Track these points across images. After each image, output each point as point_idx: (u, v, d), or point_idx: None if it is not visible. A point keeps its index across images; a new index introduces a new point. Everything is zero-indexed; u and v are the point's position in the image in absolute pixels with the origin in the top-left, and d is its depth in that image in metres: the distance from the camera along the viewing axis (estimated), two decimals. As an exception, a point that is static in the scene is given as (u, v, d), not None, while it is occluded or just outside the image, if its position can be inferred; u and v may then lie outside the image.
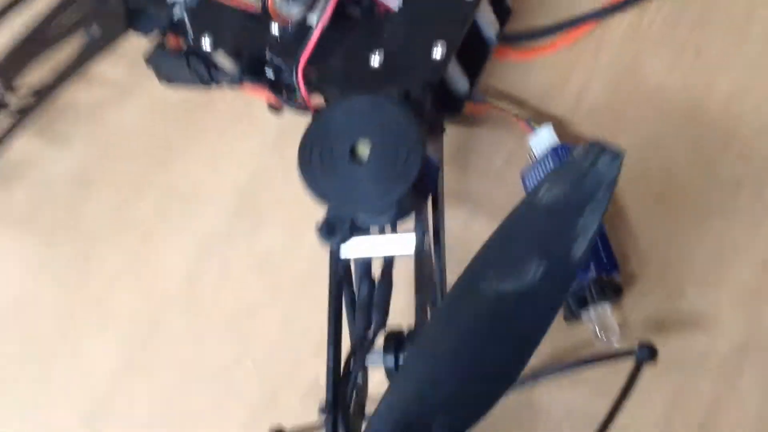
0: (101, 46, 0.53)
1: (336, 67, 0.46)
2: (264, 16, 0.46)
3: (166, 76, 0.53)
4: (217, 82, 0.51)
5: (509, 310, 0.34)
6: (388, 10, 0.45)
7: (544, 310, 0.34)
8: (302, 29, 0.45)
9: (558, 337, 0.48)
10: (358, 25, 0.46)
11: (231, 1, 0.47)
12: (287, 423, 0.44)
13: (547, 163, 0.48)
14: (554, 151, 0.48)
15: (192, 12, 0.48)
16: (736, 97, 0.50)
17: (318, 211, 0.41)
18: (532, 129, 0.50)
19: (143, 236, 0.56)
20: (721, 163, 0.49)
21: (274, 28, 0.46)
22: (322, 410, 0.38)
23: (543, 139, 0.49)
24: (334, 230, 0.40)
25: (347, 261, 0.41)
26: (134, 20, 0.53)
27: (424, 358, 0.35)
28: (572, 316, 0.47)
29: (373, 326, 0.39)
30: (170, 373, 0.53)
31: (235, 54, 0.48)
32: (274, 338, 0.52)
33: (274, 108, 0.51)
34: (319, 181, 0.40)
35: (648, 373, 0.40)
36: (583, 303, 0.46)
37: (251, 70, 0.48)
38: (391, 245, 0.41)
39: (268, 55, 0.47)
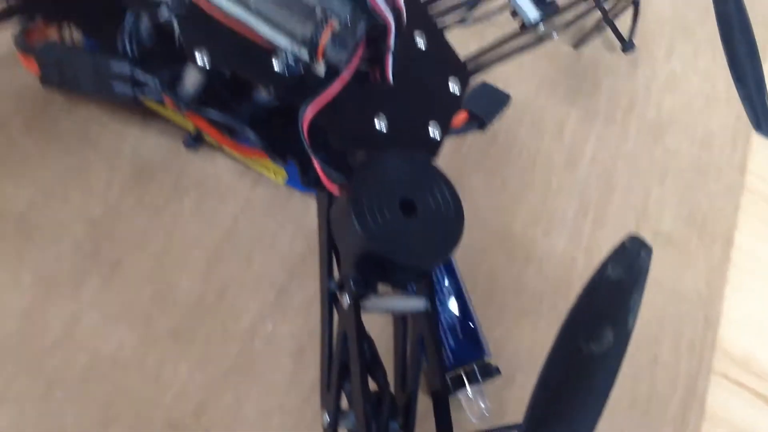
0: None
1: (341, 120, 0.45)
2: (263, 50, 0.43)
3: (60, 77, 0.45)
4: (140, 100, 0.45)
5: (593, 367, 0.40)
6: (384, 80, 0.47)
7: (614, 369, 0.40)
8: (309, 74, 0.44)
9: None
10: (356, 87, 0.46)
11: (236, 26, 0.43)
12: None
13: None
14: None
15: (182, 20, 0.43)
16: (529, 224, 0.62)
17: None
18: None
19: None
20: (526, 276, 0.60)
21: (277, 65, 0.44)
22: None
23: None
24: (366, 281, 0.40)
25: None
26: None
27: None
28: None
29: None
30: None
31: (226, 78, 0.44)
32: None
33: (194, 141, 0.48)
34: (370, 226, 0.40)
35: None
36: (460, 383, 0.52)
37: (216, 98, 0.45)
38: (409, 302, 0.42)
39: (270, 91, 0.44)
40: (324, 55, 0.43)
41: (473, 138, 0.64)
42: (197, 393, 0.48)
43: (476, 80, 0.63)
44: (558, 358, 0.40)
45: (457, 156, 0.63)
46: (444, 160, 0.62)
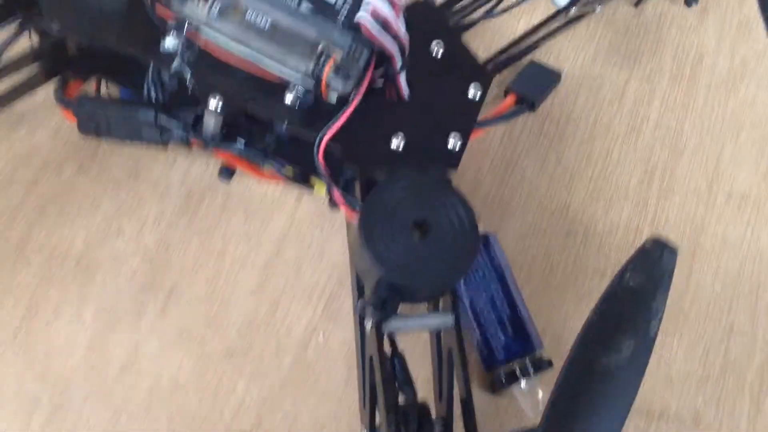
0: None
1: (357, 144, 0.46)
2: (275, 84, 0.45)
3: (96, 127, 0.48)
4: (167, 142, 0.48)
5: (608, 381, 0.40)
6: (399, 97, 0.47)
7: (635, 379, 0.40)
8: (321, 102, 0.45)
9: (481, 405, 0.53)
10: (372, 107, 0.46)
11: (246, 65, 0.45)
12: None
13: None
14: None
15: (194, 66, 0.45)
16: (588, 199, 0.61)
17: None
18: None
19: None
20: (585, 255, 0.59)
21: (289, 98, 0.45)
22: None
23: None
24: (385, 305, 0.41)
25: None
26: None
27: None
28: (501, 387, 0.53)
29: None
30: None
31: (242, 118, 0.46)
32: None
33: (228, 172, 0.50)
34: (382, 253, 0.41)
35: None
36: (513, 377, 0.52)
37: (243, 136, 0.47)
38: (432, 320, 0.44)
39: (284, 125, 0.45)
40: (329, 87, 0.43)
41: (525, 117, 0.63)
42: (254, 407, 0.51)
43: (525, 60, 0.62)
44: (572, 373, 0.40)
45: (509, 140, 0.62)
46: (496, 145, 0.62)
